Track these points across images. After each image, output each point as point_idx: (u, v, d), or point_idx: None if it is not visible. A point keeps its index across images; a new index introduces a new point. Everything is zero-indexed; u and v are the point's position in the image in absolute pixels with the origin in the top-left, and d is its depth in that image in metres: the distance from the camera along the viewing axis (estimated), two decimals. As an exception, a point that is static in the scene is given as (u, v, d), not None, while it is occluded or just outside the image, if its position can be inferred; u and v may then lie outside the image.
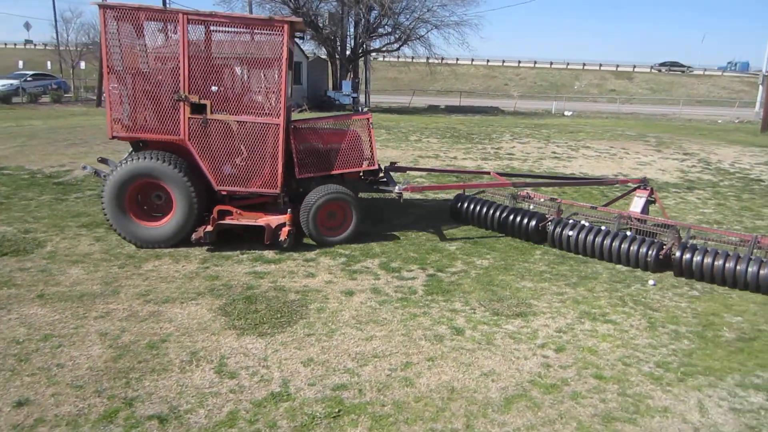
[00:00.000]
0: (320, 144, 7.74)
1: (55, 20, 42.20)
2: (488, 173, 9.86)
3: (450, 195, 10.56)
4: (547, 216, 8.09)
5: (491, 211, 8.41)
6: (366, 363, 4.63)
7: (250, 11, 31.09)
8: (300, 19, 7.51)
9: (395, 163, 9.44)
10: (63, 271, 6.31)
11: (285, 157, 7.25)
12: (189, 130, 6.96)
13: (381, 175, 8.43)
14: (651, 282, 6.70)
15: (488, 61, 68.27)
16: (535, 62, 69.41)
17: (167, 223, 7.08)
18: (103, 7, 6.67)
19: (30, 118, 22.66)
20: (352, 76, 36.83)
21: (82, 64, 41.14)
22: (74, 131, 17.53)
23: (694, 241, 7.40)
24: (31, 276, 6.16)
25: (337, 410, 3.99)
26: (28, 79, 36.11)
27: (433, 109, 38.08)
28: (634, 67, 66.92)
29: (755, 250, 6.83)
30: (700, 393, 4.41)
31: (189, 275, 6.34)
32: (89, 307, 5.45)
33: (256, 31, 7.15)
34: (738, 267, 6.49)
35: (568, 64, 68.44)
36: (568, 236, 7.61)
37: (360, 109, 32.81)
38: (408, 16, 36.15)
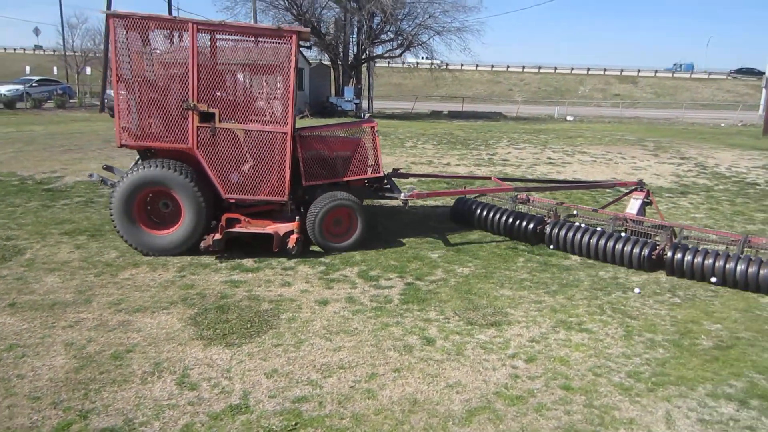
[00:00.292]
0: (326, 152, 7.79)
1: (62, 26, 42.75)
2: (489, 179, 10.09)
3: (445, 201, 10.49)
4: (545, 219, 8.36)
5: (491, 214, 8.71)
6: (330, 374, 4.57)
7: (255, 18, 31.20)
8: (308, 29, 7.56)
9: (398, 169, 9.47)
10: (38, 279, 6.30)
11: (292, 164, 7.27)
12: (197, 139, 6.99)
13: (385, 182, 8.45)
14: (636, 290, 6.62)
15: (492, 66, 68.36)
16: (540, 67, 69.41)
17: (176, 232, 7.10)
18: (113, 16, 6.71)
19: (32, 124, 22.81)
20: (354, 82, 36.87)
21: (88, 70, 41.53)
22: (72, 137, 17.62)
23: (686, 242, 7.51)
24: (5, 284, 6.14)
25: (294, 423, 3.93)
26: (34, 84, 36.42)
27: (435, 115, 38.05)
28: (639, 71, 66.73)
29: (745, 249, 7.05)
30: (669, 404, 4.31)
31: (164, 284, 6.30)
32: (59, 316, 5.42)
33: (264, 40, 7.18)
34: (727, 265, 6.69)
35: (572, 68, 68.33)
36: (564, 237, 7.86)
37: (363, 115, 32.81)
38: (410, 23, 36.30)
